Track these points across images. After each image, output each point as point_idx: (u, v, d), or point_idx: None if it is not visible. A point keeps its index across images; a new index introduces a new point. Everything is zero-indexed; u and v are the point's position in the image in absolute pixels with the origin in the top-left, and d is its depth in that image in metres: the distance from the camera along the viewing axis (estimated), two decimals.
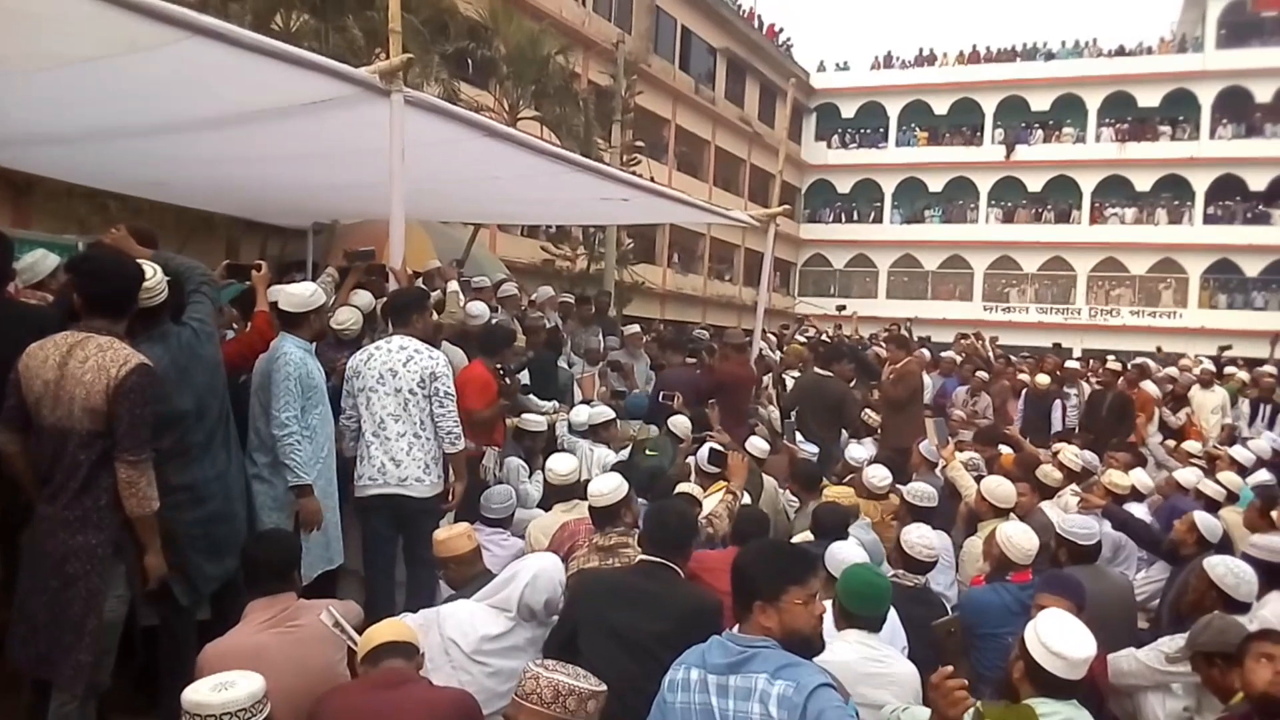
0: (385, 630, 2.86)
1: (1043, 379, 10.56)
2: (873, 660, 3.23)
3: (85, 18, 3.35)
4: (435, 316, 5.54)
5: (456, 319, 6.21)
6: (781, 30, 37.85)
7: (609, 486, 3.96)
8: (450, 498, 4.72)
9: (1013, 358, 13.64)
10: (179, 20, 3.49)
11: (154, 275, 3.57)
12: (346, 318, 5.35)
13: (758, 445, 6.23)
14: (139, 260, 3.57)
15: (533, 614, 3.40)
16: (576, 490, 5.00)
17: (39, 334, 3.28)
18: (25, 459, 3.27)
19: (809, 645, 2.52)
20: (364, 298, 5.65)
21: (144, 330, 3.53)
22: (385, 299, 5.30)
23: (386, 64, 4.52)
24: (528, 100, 15.61)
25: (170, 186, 7.11)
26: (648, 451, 6.10)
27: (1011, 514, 5.27)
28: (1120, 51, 36.40)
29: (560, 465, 5.08)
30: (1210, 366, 11.71)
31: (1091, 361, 13.70)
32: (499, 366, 5.97)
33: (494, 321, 6.60)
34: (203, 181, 6.73)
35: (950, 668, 2.52)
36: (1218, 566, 3.93)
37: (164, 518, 3.32)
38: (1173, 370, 11.65)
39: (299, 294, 4.48)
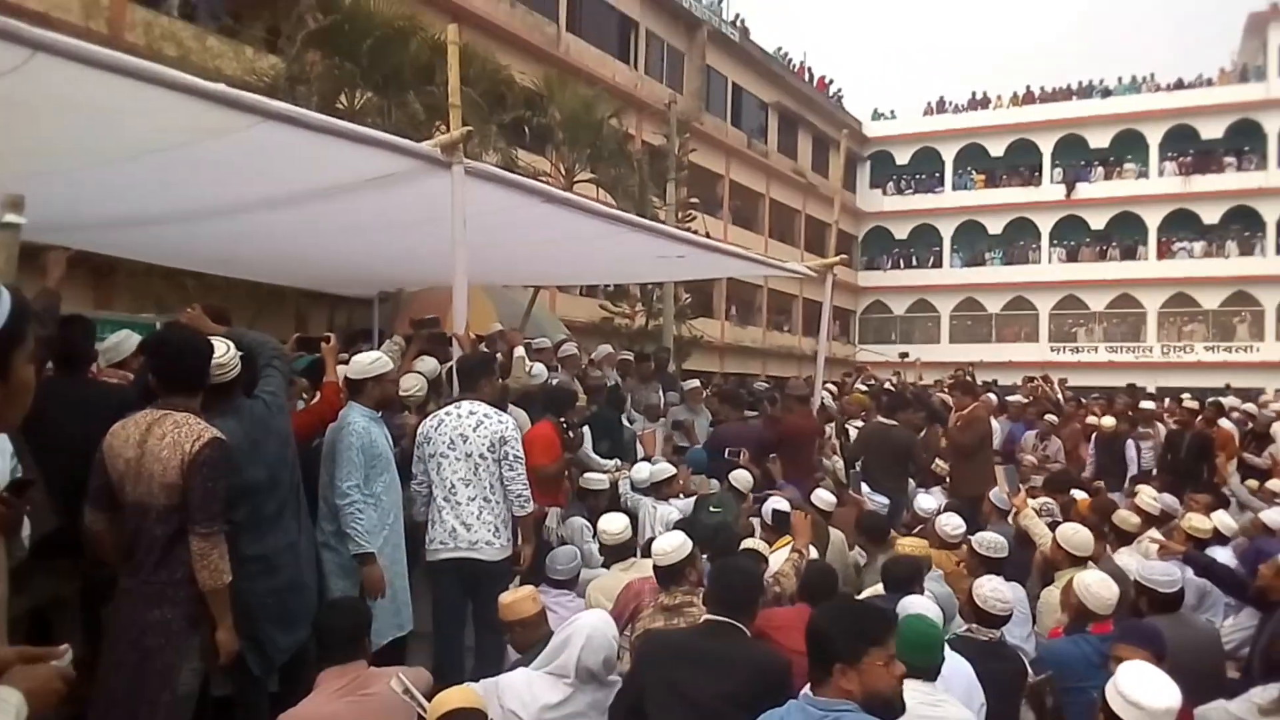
0: (454, 697, 2.86)
1: (1109, 421, 10.25)
2: (927, 704, 3.16)
3: (165, 109, 3.51)
4: (501, 380, 5.64)
5: (522, 384, 6.30)
6: (832, 82, 38.12)
7: (673, 545, 3.95)
8: (520, 561, 4.75)
9: (1084, 399, 13.31)
10: (252, 106, 3.67)
11: (225, 351, 3.66)
12: (411, 384, 5.46)
13: (824, 498, 6.17)
14: (211, 337, 3.68)
15: (592, 675, 3.37)
16: (630, 549, 5.00)
17: (120, 412, 3.41)
18: (112, 537, 3.35)
19: (890, 707, 2.48)
20: (429, 364, 5.77)
21: (218, 405, 3.62)
22: (449, 364, 5.40)
23: (447, 137, 4.67)
24: (583, 163, 15.91)
25: (243, 263, 7.36)
26: (711, 508, 6.07)
27: (1089, 562, 5.12)
28: (1179, 85, 35.92)
29: (611, 525, 5.08)
30: None
31: (1167, 401, 13.30)
32: (562, 421, 6.06)
33: (555, 382, 6.67)
34: (273, 257, 6.96)
35: None
36: None
37: (238, 588, 3.37)
38: (1250, 407, 11.26)
39: (360, 361, 4.63)
